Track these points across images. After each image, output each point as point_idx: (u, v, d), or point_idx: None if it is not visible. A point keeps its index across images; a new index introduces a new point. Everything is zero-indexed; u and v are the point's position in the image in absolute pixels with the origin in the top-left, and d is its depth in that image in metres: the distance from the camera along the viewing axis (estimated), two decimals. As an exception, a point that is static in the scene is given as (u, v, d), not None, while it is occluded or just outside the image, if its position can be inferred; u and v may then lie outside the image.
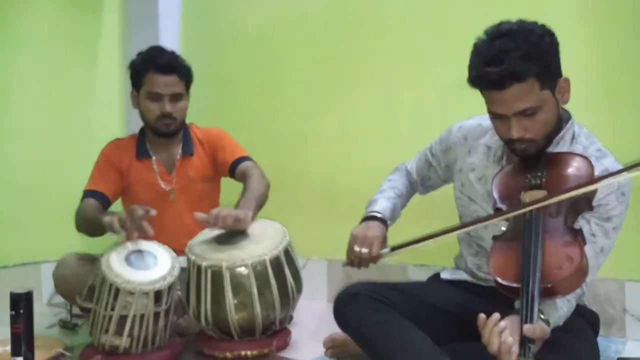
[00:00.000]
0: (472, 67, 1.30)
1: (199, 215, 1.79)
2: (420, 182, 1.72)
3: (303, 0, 2.63)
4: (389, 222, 1.58)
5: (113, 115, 2.94)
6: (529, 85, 1.24)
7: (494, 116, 1.33)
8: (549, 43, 1.27)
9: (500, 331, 1.10)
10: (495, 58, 1.24)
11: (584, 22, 1.98)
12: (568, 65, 1.94)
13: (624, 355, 1.72)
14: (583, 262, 1.16)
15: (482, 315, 1.14)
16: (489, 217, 1.32)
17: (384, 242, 1.47)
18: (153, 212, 1.74)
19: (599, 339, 1.44)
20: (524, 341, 1.08)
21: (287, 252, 1.82)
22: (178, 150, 2.16)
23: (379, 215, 1.56)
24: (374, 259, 1.44)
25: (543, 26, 1.29)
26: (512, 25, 1.28)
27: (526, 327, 1.08)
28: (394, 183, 1.70)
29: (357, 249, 1.45)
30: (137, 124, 2.22)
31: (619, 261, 1.87)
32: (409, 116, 2.35)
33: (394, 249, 1.42)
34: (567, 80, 1.32)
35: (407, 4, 2.35)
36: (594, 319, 1.45)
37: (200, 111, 2.47)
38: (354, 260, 1.47)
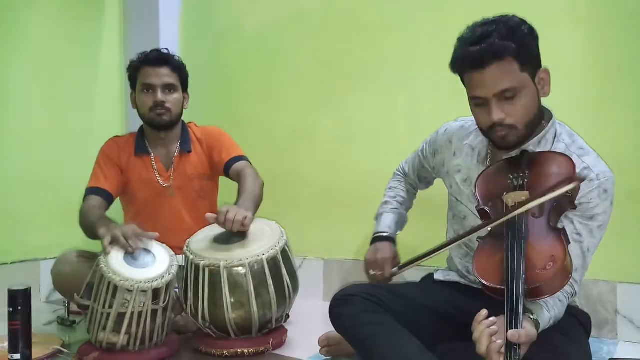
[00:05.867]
0: (454, 51, 1.35)
1: (210, 215, 1.81)
2: (419, 180, 1.80)
3: (301, 2, 2.64)
4: (396, 235, 1.71)
5: (113, 114, 2.97)
6: (508, 64, 1.27)
7: (475, 102, 1.34)
8: (527, 28, 1.31)
9: (491, 334, 1.11)
10: (476, 40, 1.29)
11: (580, 25, 2.00)
12: (564, 67, 1.97)
13: (615, 356, 1.74)
14: (567, 261, 1.16)
15: (480, 313, 1.15)
16: (480, 226, 1.32)
17: (394, 260, 1.61)
18: (154, 235, 1.78)
19: (591, 340, 1.45)
20: (511, 343, 1.08)
21: (285, 252, 1.83)
22: (176, 147, 2.18)
23: (385, 234, 1.69)
24: (387, 279, 1.58)
25: (524, 20, 1.33)
26: (494, 17, 1.33)
27: (510, 333, 1.07)
28: (394, 191, 1.81)
29: (372, 272, 1.60)
30: (136, 123, 2.24)
31: (611, 263, 1.90)
32: (405, 116, 2.37)
33: (401, 267, 1.55)
34: (547, 72, 1.34)
35: (404, 6, 2.37)
36: (586, 319, 1.45)
37: (199, 110, 2.48)
38: (373, 282, 1.60)
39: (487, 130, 1.36)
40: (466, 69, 1.32)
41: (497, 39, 1.26)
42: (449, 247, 1.40)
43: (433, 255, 1.37)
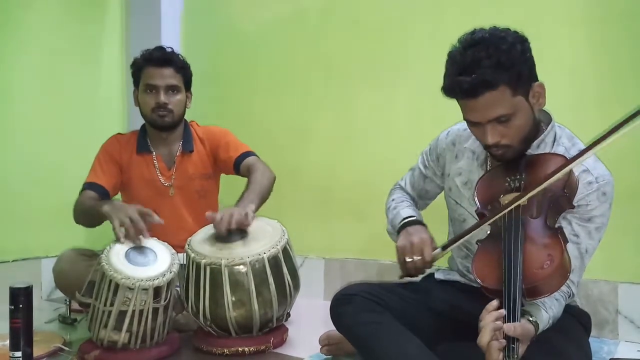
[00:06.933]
0: (446, 77, 1.32)
1: (209, 214, 1.82)
2: (418, 197, 1.71)
3: (301, 1, 2.65)
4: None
5: (115, 113, 2.97)
6: (501, 93, 1.25)
7: (470, 123, 1.35)
8: (519, 50, 1.26)
9: (495, 329, 1.11)
10: (467, 67, 1.25)
11: (575, 26, 2.00)
12: (559, 68, 1.98)
13: (616, 356, 1.74)
14: (564, 260, 1.17)
15: (492, 303, 1.14)
16: (476, 226, 1.32)
17: (432, 242, 1.42)
18: (158, 219, 1.77)
19: (592, 340, 1.45)
20: (508, 342, 1.09)
21: (286, 251, 1.83)
22: (178, 146, 2.18)
23: (413, 218, 1.52)
24: (428, 263, 1.39)
25: (515, 33, 1.29)
26: (484, 34, 1.28)
27: (506, 326, 1.09)
28: (400, 198, 1.68)
29: (409, 259, 1.39)
30: (138, 123, 2.24)
31: (611, 263, 1.91)
32: (406, 115, 2.37)
33: (444, 247, 1.39)
34: (541, 85, 1.32)
35: (404, 6, 2.37)
36: (586, 319, 1.46)
37: (199, 110, 2.48)
38: (410, 271, 1.40)
39: (484, 147, 1.38)
40: (458, 97, 1.31)
41: (488, 69, 1.23)
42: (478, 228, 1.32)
43: (473, 231, 1.32)
